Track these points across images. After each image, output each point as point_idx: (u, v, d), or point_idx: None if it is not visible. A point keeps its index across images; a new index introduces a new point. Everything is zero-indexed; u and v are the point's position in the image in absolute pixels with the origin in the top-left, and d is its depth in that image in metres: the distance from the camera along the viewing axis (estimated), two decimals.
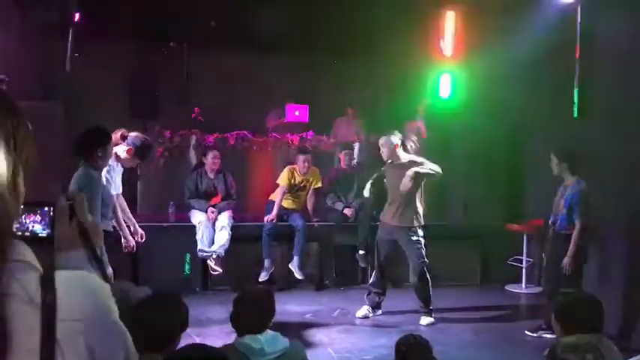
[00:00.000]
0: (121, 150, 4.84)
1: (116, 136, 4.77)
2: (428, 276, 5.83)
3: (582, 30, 6.18)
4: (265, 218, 6.91)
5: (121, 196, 5.09)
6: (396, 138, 5.79)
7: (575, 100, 6.24)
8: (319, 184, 7.26)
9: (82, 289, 0.96)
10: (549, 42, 6.59)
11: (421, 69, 8.72)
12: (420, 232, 5.82)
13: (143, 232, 5.26)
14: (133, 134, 4.93)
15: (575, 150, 5.56)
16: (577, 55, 6.21)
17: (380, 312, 6.07)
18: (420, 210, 5.83)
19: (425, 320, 5.84)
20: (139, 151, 4.90)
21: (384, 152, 5.81)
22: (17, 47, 6.52)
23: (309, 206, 7.29)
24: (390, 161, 5.85)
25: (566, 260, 5.20)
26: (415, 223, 5.78)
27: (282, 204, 7.07)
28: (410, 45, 8.42)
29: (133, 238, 5.15)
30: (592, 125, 6.06)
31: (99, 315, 0.95)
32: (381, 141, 5.84)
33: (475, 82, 7.82)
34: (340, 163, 7.47)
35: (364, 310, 6.03)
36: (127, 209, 5.22)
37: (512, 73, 7.17)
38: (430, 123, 8.32)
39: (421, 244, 5.80)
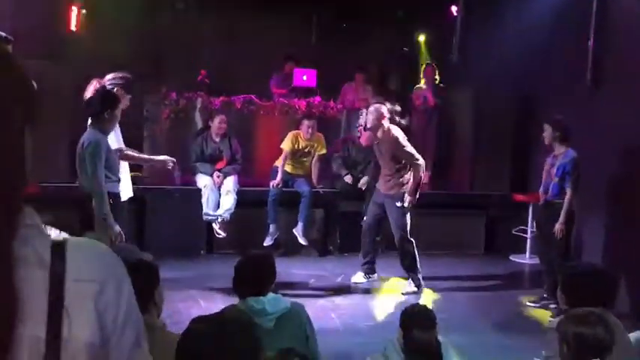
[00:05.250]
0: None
1: (94, 88, 4.66)
2: (410, 245, 5.74)
3: None
4: (271, 183, 6.92)
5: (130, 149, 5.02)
6: (384, 108, 5.75)
7: (589, 70, 6.14)
8: (324, 151, 7.23)
9: (95, 252, 0.96)
10: (562, 11, 6.45)
11: (431, 35, 8.62)
12: (407, 201, 5.68)
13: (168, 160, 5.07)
14: (109, 77, 4.73)
15: (570, 121, 5.52)
16: (592, 24, 6.08)
17: (375, 275, 6.07)
18: (408, 179, 5.71)
19: (406, 288, 5.79)
20: (125, 86, 4.70)
21: (369, 120, 5.75)
22: (23, 8, 6.44)
23: (314, 173, 7.26)
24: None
25: (557, 227, 5.29)
26: (401, 191, 5.69)
27: (287, 169, 7.06)
28: (419, 9, 8.30)
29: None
30: (605, 96, 5.97)
31: (112, 278, 0.94)
32: (370, 108, 5.81)
33: (484, 50, 7.70)
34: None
35: (359, 276, 6.05)
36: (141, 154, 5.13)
37: (523, 42, 7.03)
38: (438, 91, 8.23)
39: (405, 213, 5.71)
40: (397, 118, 5.81)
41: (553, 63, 6.95)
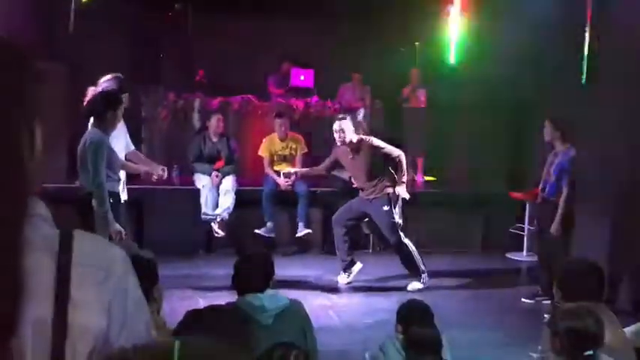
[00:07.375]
0: None
1: (92, 95, 4.68)
2: (408, 246, 5.79)
3: None
4: (281, 182, 6.85)
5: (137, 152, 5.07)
6: (348, 122, 5.78)
7: (584, 66, 6.17)
8: (305, 150, 7.21)
9: (100, 242, 0.99)
10: (559, 7, 6.48)
11: (430, 34, 8.64)
12: (395, 203, 5.74)
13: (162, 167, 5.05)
14: (102, 81, 4.74)
15: (569, 120, 5.53)
16: (588, 20, 6.11)
17: (356, 266, 6.03)
18: (392, 181, 5.77)
19: (412, 285, 5.83)
20: (119, 87, 4.70)
21: (347, 135, 5.71)
22: (20, 10, 6.46)
23: (301, 172, 7.12)
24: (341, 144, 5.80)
25: (554, 226, 5.29)
26: (386, 192, 5.74)
27: (279, 169, 7.07)
28: (418, 10, 8.32)
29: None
30: (600, 93, 6.00)
31: (117, 267, 0.96)
32: (339, 126, 5.72)
33: (483, 48, 7.73)
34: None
35: (343, 276, 6.04)
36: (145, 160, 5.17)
37: (519, 39, 7.06)
38: (436, 90, 8.27)
39: (394, 215, 5.74)
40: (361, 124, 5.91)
41: (549, 61, 6.98)
